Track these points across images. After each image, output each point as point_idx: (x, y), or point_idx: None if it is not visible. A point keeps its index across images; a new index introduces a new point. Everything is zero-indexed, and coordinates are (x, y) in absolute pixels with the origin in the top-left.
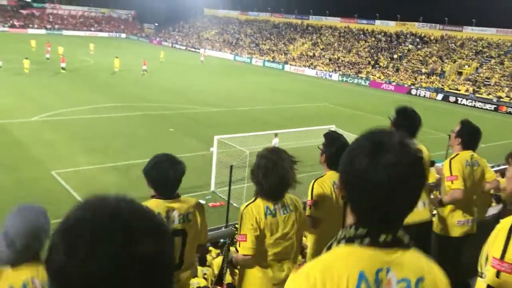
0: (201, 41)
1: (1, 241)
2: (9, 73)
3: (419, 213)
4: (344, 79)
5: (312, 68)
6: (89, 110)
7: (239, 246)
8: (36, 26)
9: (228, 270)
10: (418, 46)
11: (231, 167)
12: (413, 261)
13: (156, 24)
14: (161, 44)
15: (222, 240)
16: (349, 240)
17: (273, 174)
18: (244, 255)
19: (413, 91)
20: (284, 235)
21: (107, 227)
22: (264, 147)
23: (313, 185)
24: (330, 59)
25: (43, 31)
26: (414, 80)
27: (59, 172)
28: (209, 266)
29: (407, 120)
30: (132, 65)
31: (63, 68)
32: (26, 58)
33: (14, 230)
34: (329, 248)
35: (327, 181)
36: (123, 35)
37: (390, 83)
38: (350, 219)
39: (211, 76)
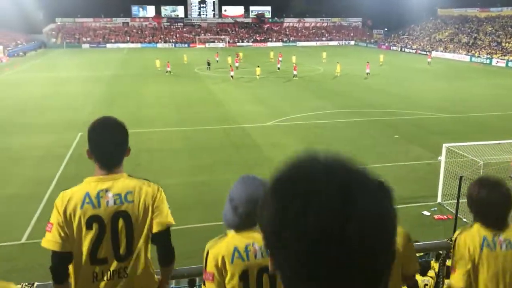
0: (433, 43)
1: (227, 206)
2: (243, 81)
3: None
4: None
5: None
6: (316, 115)
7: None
8: (274, 39)
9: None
10: None
11: (461, 178)
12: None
13: (386, 29)
14: (389, 48)
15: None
16: None
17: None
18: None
19: None
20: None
21: (323, 182)
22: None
23: None
24: None
25: (280, 44)
26: None
27: None
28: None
29: None
30: (355, 70)
31: (294, 76)
32: (258, 66)
33: (237, 197)
34: None
35: None
36: (352, 42)
37: None
38: None
39: (440, 79)
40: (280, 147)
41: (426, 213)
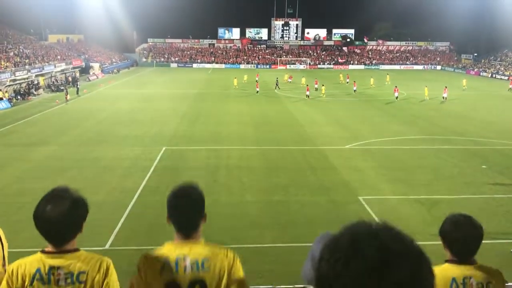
0: None
1: (308, 264)
2: (320, 100)
3: None
4: None
5: None
6: (396, 141)
7: None
8: (356, 62)
9: None
10: None
11: None
12: None
13: (475, 54)
14: (479, 74)
15: None
16: None
17: None
18: None
19: None
20: None
21: (363, 244)
22: None
23: None
24: None
25: (362, 67)
26: None
27: (366, 198)
28: None
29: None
30: (434, 94)
31: (397, 98)
32: (323, 85)
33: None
34: None
35: None
36: (438, 67)
37: None
38: None
39: None
40: (358, 171)
41: None
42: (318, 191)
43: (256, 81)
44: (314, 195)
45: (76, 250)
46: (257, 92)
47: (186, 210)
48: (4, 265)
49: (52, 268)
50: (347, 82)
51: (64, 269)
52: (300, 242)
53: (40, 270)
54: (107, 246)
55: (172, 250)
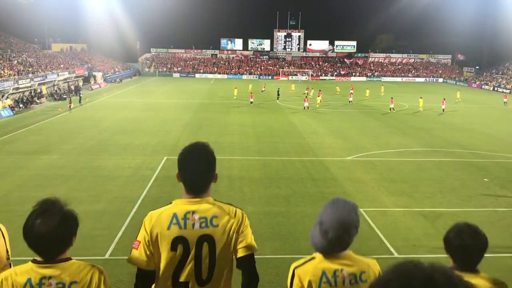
0: None
1: (316, 229)
2: (321, 112)
3: None
4: None
5: None
6: (398, 153)
7: None
8: (358, 74)
9: None
10: None
11: None
12: None
13: (477, 67)
14: (481, 87)
15: None
16: None
17: None
18: None
19: None
20: None
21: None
22: None
23: None
24: None
25: (363, 78)
26: None
27: (367, 210)
28: None
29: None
30: (432, 107)
31: (391, 109)
32: (318, 96)
33: (328, 221)
34: None
35: None
36: (440, 80)
37: None
38: None
39: None
40: (359, 183)
41: None
42: (319, 202)
43: (251, 93)
44: (315, 206)
45: (68, 259)
46: (251, 103)
47: (197, 169)
48: (8, 258)
49: (43, 278)
50: (351, 93)
51: (55, 279)
52: (300, 253)
53: (30, 280)
54: (107, 256)
55: (180, 206)
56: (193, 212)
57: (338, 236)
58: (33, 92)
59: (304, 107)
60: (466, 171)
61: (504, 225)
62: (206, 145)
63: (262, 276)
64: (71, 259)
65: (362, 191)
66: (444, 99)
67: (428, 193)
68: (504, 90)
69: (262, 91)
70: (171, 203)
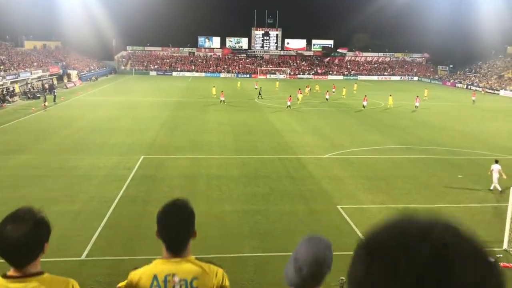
0: (502, 81)
1: (290, 266)
2: (300, 111)
3: None
4: None
5: None
6: (374, 150)
7: None
8: (335, 72)
9: None
10: None
11: None
12: None
13: (451, 66)
14: (454, 85)
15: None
16: None
17: None
18: None
19: None
20: None
21: (415, 248)
22: None
23: None
24: None
25: (340, 77)
26: None
27: (344, 207)
28: None
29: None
30: (405, 104)
31: (364, 106)
32: (300, 93)
33: (302, 258)
34: None
35: None
36: (415, 78)
37: None
38: None
39: (492, 119)
40: (337, 180)
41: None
42: (297, 200)
43: (221, 91)
44: (293, 204)
45: (40, 273)
46: (223, 101)
47: (176, 229)
48: None
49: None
50: (333, 92)
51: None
52: (279, 251)
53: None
54: (83, 257)
55: (161, 266)
56: (173, 275)
57: (313, 273)
58: (5, 90)
59: (287, 106)
60: (441, 168)
61: (477, 220)
62: (186, 202)
63: (241, 275)
64: (44, 273)
65: (339, 189)
66: (418, 96)
67: (404, 190)
68: (477, 88)
69: (255, 88)
70: (151, 262)
